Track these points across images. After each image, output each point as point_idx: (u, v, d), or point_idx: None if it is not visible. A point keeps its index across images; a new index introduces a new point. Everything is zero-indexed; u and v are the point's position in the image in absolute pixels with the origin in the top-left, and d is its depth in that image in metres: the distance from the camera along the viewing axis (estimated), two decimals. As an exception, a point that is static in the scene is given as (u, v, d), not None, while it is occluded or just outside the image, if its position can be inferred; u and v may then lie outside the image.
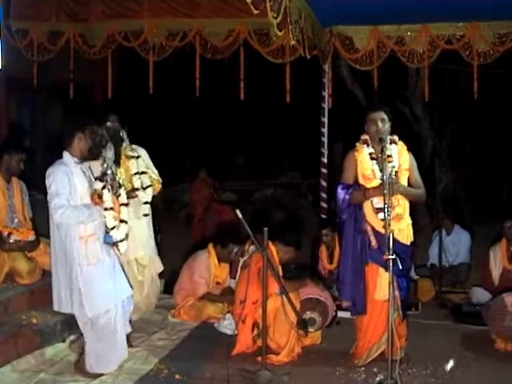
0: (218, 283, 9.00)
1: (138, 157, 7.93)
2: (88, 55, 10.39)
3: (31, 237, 7.70)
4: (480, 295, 9.15)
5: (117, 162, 6.78)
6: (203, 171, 14.71)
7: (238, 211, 6.42)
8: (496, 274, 9.22)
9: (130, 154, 7.82)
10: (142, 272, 7.90)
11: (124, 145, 7.78)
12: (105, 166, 6.25)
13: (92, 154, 6.26)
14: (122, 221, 6.42)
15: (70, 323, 7.31)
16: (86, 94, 13.65)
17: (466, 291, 9.90)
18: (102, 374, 6.44)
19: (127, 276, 6.77)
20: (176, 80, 15.92)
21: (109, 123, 7.49)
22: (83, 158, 6.28)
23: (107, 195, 6.20)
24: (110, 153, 6.27)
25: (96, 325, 6.28)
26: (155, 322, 8.39)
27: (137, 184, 7.81)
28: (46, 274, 7.90)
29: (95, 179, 6.27)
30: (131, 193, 7.62)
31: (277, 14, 6.75)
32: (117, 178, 6.45)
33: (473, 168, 18.05)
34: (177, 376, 6.56)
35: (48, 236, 7.97)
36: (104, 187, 6.19)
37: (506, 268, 9.15)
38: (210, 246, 8.95)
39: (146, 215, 7.97)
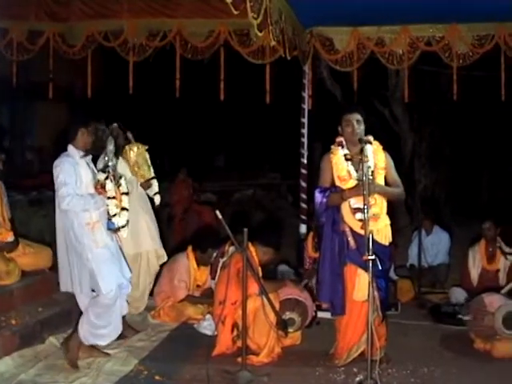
0: (198, 286, 9.00)
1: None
2: (68, 55, 10.34)
3: (10, 238, 7.69)
4: (459, 295, 9.19)
5: (117, 154, 7.07)
6: (183, 171, 14.71)
7: (217, 212, 6.42)
8: (475, 274, 9.29)
9: (145, 146, 7.98)
10: (154, 263, 8.00)
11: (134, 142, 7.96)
12: (106, 158, 6.68)
13: (95, 147, 6.75)
14: (123, 208, 6.76)
15: (49, 324, 7.30)
16: (66, 93, 13.59)
17: (445, 291, 9.96)
18: (77, 366, 6.61)
19: (127, 261, 7.10)
20: (156, 80, 15.88)
21: (115, 124, 7.82)
22: (86, 151, 6.69)
23: (110, 185, 6.59)
24: (110, 146, 6.68)
25: (99, 302, 6.58)
26: (135, 323, 8.35)
27: (152, 173, 8.11)
28: (25, 275, 7.88)
29: (98, 171, 6.72)
30: (148, 182, 8.03)
31: (257, 15, 6.74)
32: (117, 169, 6.87)
33: (452, 169, 18.13)
34: (156, 377, 6.54)
35: (26, 237, 8.01)
36: (107, 178, 6.58)
37: (485, 268, 9.22)
38: (189, 249, 8.94)
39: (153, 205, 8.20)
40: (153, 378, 6.53)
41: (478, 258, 9.29)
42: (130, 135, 8.01)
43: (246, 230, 6.53)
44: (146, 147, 8.00)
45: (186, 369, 6.82)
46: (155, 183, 8.07)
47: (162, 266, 8.59)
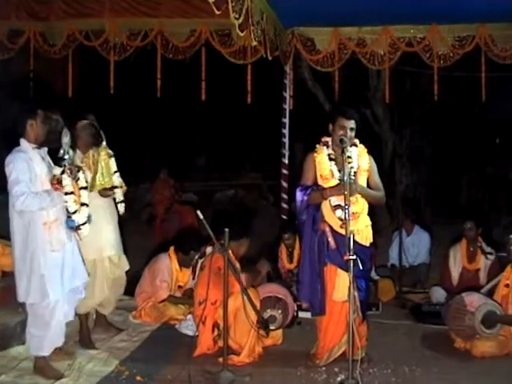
0: (179, 287, 8.99)
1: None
2: (48, 54, 10.30)
3: (-10, 238, 7.63)
4: (439, 295, 9.24)
5: (73, 147, 6.69)
6: (164, 172, 14.68)
7: (199, 212, 6.41)
8: (455, 273, 9.34)
9: (110, 152, 7.81)
10: (113, 271, 7.86)
11: (104, 143, 7.78)
12: (61, 151, 6.27)
13: (49, 139, 6.33)
14: (82, 204, 6.46)
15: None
16: (47, 92, 13.51)
17: (425, 291, 9.98)
18: (62, 376, 6.46)
19: (84, 262, 6.82)
20: (137, 80, 15.85)
21: (86, 121, 7.53)
22: (40, 144, 6.34)
23: (67, 180, 6.23)
24: (66, 138, 6.28)
25: (37, 312, 6.34)
26: (116, 324, 8.33)
27: (117, 182, 7.83)
28: (5, 276, 7.83)
29: (54, 165, 6.33)
30: (110, 190, 7.69)
31: (238, 15, 6.74)
32: (75, 162, 6.52)
33: (433, 169, 18.19)
34: (138, 378, 6.52)
35: (5, 237, 7.91)
36: (63, 172, 6.22)
37: (466, 268, 9.28)
38: (172, 250, 8.93)
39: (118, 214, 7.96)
40: (134, 379, 6.51)
41: (458, 257, 9.34)
42: (102, 134, 7.79)
43: (226, 230, 6.53)
44: (112, 154, 7.80)
45: (168, 369, 6.80)
46: (118, 192, 7.86)
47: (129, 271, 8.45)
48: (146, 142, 23.92)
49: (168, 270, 8.78)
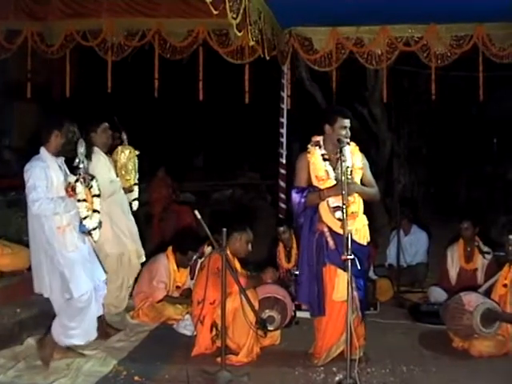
0: (177, 287, 8.99)
1: None
2: (46, 54, 10.29)
3: (-13, 239, 7.68)
4: (437, 295, 9.24)
5: (88, 156, 7.13)
6: (162, 170, 14.66)
7: (196, 212, 6.41)
8: (453, 273, 9.35)
9: (136, 151, 8.19)
10: (136, 263, 8.20)
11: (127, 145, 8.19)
12: (77, 160, 6.56)
13: (65, 149, 6.61)
14: (94, 211, 6.70)
15: (27, 325, 7.27)
16: (44, 93, 13.51)
17: (423, 291, 10.00)
18: (51, 361, 6.65)
19: (101, 262, 7.11)
20: (135, 80, 15.83)
21: (106, 124, 7.94)
22: (58, 154, 6.62)
23: (80, 187, 6.50)
24: (81, 148, 6.55)
25: (72, 305, 6.55)
26: (114, 324, 8.32)
27: (136, 180, 8.25)
28: (3, 276, 7.83)
29: (70, 173, 6.65)
30: (130, 187, 8.14)
31: (236, 15, 6.75)
32: (89, 171, 6.80)
33: (430, 169, 18.22)
34: (136, 378, 6.52)
35: (4, 237, 7.93)
36: (77, 180, 6.51)
37: (463, 267, 9.29)
38: (169, 250, 8.94)
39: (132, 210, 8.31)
40: (132, 379, 6.50)
41: (456, 257, 9.35)
42: (124, 136, 8.07)
43: (224, 229, 6.52)
44: (137, 152, 8.08)
45: (166, 369, 6.80)
46: (136, 189, 8.17)
47: (141, 265, 8.58)
48: (144, 142, 23.86)
49: (166, 270, 8.79)
